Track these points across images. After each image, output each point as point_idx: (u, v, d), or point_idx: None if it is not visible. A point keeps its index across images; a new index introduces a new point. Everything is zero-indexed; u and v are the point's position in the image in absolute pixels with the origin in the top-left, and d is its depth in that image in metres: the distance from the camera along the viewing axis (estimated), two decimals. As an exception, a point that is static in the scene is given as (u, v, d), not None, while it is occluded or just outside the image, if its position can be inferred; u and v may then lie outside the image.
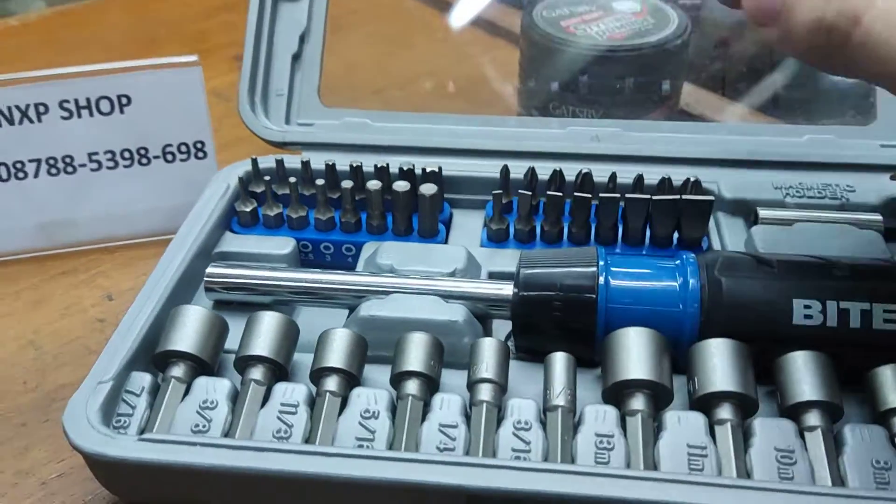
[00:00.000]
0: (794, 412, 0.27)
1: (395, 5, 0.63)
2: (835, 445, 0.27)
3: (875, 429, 0.27)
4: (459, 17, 0.59)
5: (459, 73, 0.54)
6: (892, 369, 0.28)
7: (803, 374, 0.27)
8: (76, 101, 0.38)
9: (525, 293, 0.30)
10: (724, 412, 0.27)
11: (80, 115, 0.38)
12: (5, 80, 0.37)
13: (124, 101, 0.39)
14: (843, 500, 0.24)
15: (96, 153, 0.39)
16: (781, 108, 0.43)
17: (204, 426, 0.27)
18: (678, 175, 0.36)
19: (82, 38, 0.62)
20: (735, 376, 0.27)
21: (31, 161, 0.39)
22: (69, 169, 0.39)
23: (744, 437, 0.27)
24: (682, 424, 0.27)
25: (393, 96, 0.51)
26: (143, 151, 0.40)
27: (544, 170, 0.37)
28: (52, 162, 0.39)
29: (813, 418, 0.27)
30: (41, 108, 0.38)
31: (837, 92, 0.41)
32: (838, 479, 0.26)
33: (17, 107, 0.38)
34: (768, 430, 0.27)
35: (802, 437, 0.27)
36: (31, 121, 0.38)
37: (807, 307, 0.29)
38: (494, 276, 0.34)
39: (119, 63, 0.39)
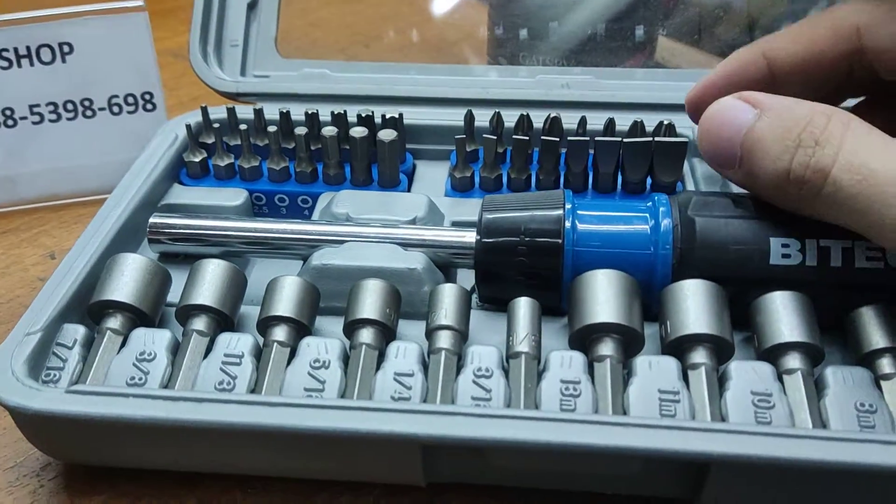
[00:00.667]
0: (772, 355, 0.26)
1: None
2: (816, 389, 0.25)
3: (858, 370, 0.25)
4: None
5: (428, 26, 0.52)
6: (874, 309, 0.26)
7: (782, 314, 0.26)
8: (15, 50, 0.36)
9: (487, 239, 0.29)
10: (699, 356, 0.25)
11: (19, 65, 0.36)
12: (-64, 25, 0.35)
13: (66, 48, 0.36)
14: (824, 442, 0.22)
15: (37, 105, 0.37)
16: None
17: (140, 379, 0.25)
18: (652, 121, 0.35)
19: None
20: (710, 319, 0.26)
21: (-33, 113, 0.36)
22: (9, 122, 0.37)
23: (719, 383, 0.25)
24: (653, 370, 0.25)
25: (358, 53, 0.49)
26: (87, 103, 0.37)
27: (512, 117, 0.35)
28: (-10, 114, 0.36)
29: (792, 360, 0.25)
30: (-22, 57, 0.36)
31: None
32: (819, 422, 0.24)
33: (-49, 55, 0.35)
34: (744, 374, 0.25)
35: (781, 380, 0.25)
36: (-34, 69, 0.36)
37: (785, 246, 0.27)
38: (458, 224, 0.32)
39: (60, 8, 0.36)
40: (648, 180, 0.33)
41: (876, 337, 0.26)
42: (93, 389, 0.24)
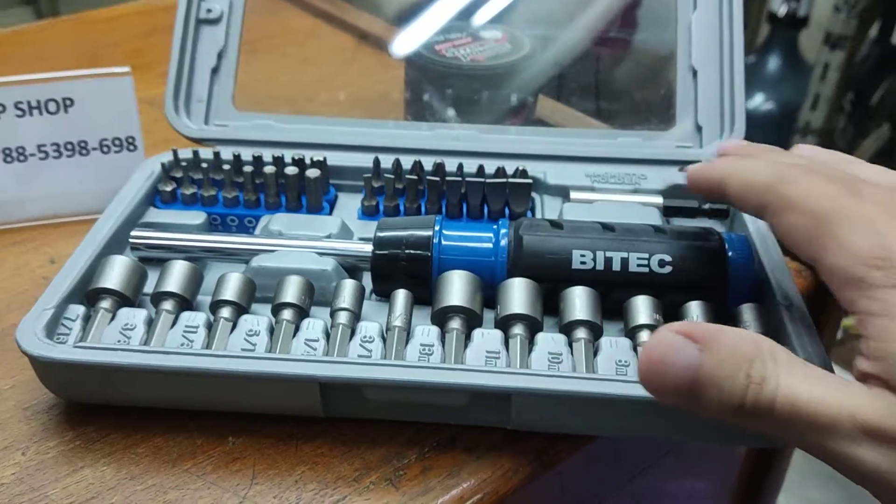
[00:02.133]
0: (567, 329, 0.37)
1: (310, 30, 0.73)
2: (593, 352, 0.37)
3: (623, 340, 0.37)
4: (372, 42, 0.69)
5: (362, 86, 0.64)
6: (641, 299, 0.38)
7: (575, 301, 0.37)
8: (28, 103, 0.47)
9: (378, 251, 0.40)
10: (517, 329, 0.37)
11: (31, 114, 0.47)
12: (-32, 84, 0.46)
13: (68, 102, 0.47)
14: (587, 381, 0.34)
15: (44, 145, 0.48)
16: (607, 116, 0.54)
17: (124, 341, 0.36)
18: (512, 166, 0.46)
19: (33, 53, 0.70)
20: (526, 303, 0.37)
21: (-12, 150, 0.47)
22: (21, 157, 0.47)
23: (529, 347, 0.36)
24: (484, 338, 0.36)
25: (302, 105, 0.61)
26: (83, 144, 0.48)
27: (408, 162, 0.46)
28: (7, 151, 0.47)
29: (580, 333, 0.37)
30: (-1, 108, 0.46)
31: (647, 104, 0.52)
32: (591, 370, 0.35)
33: (-22, 106, 0.46)
34: (545, 341, 0.36)
35: (571, 346, 0.37)
36: (-11, 117, 0.46)
37: (582, 255, 0.39)
38: (364, 240, 0.43)
39: (65, 72, 0.47)
40: (506, 210, 0.45)
41: (638, 317, 0.37)
42: (91, 346, 0.35)
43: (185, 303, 0.38)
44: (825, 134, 1.80)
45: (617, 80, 0.54)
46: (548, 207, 0.46)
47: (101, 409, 0.36)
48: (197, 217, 0.44)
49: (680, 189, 0.46)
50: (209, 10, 0.52)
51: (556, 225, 0.40)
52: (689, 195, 0.46)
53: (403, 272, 0.40)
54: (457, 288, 0.38)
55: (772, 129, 2.02)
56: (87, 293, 0.38)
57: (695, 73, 0.50)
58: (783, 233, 0.31)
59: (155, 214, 0.45)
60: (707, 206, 0.45)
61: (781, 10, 1.92)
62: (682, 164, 0.49)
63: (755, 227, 0.42)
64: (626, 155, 0.49)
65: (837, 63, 1.69)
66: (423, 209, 0.46)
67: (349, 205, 0.47)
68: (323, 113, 0.53)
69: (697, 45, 0.51)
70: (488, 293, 0.39)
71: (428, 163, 0.46)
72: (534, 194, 0.47)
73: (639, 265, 0.38)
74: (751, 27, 2.53)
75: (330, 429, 0.36)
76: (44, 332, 0.35)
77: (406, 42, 0.57)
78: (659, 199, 0.45)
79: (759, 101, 2.05)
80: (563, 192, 0.47)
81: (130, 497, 0.33)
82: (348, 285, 0.38)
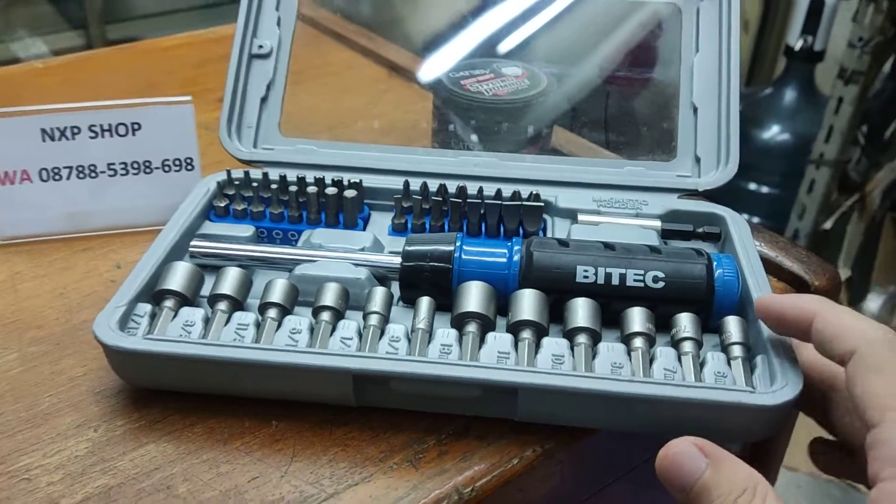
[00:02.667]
0: (569, 334, 0.42)
1: (348, 62, 0.79)
2: (592, 355, 0.41)
3: (618, 345, 0.41)
4: (402, 75, 0.75)
5: (393, 115, 0.70)
6: (636, 310, 0.43)
7: (578, 310, 0.42)
8: (101, 126, 0.53)
9: (406, 263, 0.45)
10: (525, 333, 0.42)
11: (103, 136, 0.53)
12: (51, 108, 0.52)
13: (136, 126, 0.54)
14: (588, 379, 0.39)
15: (113, 163, 0.54)
16: (615, 147, 0.59)
17: (185, 336, 0.42)
18: (527, 190, 0.52)
19: (93, 79, 0.77)
20: (534, 311, 0.42)
21: (65, 168, 0.53)
22: (92, 174, 0.54)
23: (535, 349, 0.42)
24: (496, 340, 0.42)
25: (340, 132, 0.67)
26: (147, 163, 0.54)
27: (435, 185, 0.52)
28: (80, 169, 0.53)
29: (581, 338, 0.42)
30: (75, 130, 0.53)
31: (651, 137, 0.57)
32: (589, 370, 0.40)
33: (58, 128, 0.52)
34: (550, 345, 0.41)
35: (573, 350, 0.42)
36: (67, 138, 0.53)
37: (585, 271, 0.44)
38: (393, 253, 0.49)
39: (134, 100, 0.54)
40: (520, 229, 0.50)
41: (632, 325, 0.42)
42: (158, 338, 0.40)
43: (237, 304, 0.44)
44: (838, 165, 1.84)
45: (624, 115, 0.59)
46: (558, 228, 0.52)
47: (162, 395, 0.42)
48: (246, 230, 0.50)
49: (677, 214, 0.51)
50: (260, 46, 0.58)
51: (563, 243, 0.45)
52: (685, 219, 0.51)
53: (427, 282, 0.45)
54: (474, 296, 0.43)
55: (786, 160, 2.05)
56: (154, 293, 0.44)
57: (695, 110, 0.55)
58: (858, 386, 0.33)
59: (210, 227, 0.51)
60: (701, 230, 0.50)
61: (798, 45, 1.96)
62: (680, 192, 0.54)
63: (742, 249, 0.47)
64: (630, 182, 0.54)
65: (851, 97, 1.72)
66: (446, 227, 0.51)
67: (380, 222, 0.53)
68: (358, 139, 0.59)
69: (698, 85, 0.56)
70: (501, 302, 0.44)
71: (452, 186, 0.52)
72: (545, 216, 0.52)
73: (635, 280, 0.43)
74: (768, 60, 2.58)
75: (359, 417, 0.41)
76: (117, 325, 0.41)
77: (434, 75, 0.63)
78: (657, 223, 0.50)
79: (775, 131, 2.09)
80: (571, 215, 0.52)
81: (189, 469, 0.38)
82: (379, 292, 0.44)
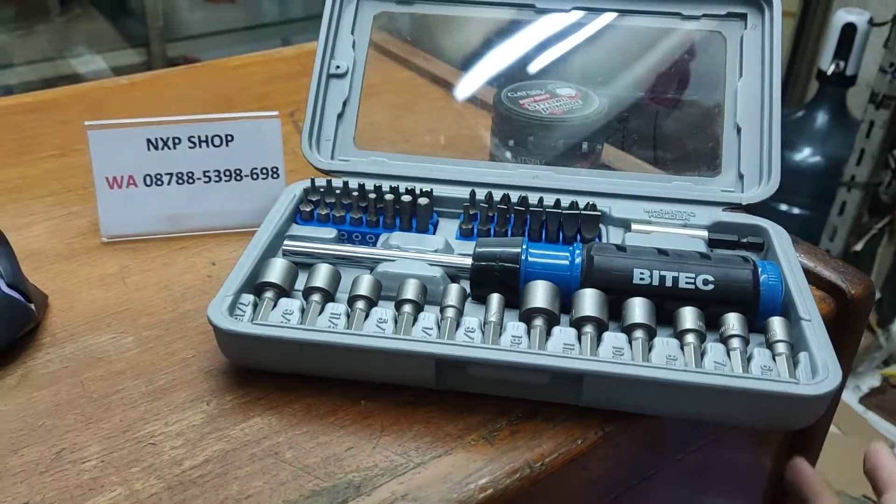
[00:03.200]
0: (627, 330, 0.47)
1: (407, 82, 0.85)
2: (649, 349, 0.46)
3: (672, 340, 0.46)
4: (458, 93, 0.81)
5: (454, 131, 0.75)
6: (688, 310, 0.47)
7: (635, 309, 0.47)
8: (199, 137, 0.59)
9: (477, 262, 0.50)
10: (587, 328, 0.47)
11: (200, 146, 0.59)
12: (157, 121, 0.58)
13: (229, 138, 0.59)
14: (646, 368, 0.43)
15: (209, 171, 0.60)
16: (664, 163, 0.64)
17: (286, 322, 0.47)
18: (584, 201, 0.57)
19: (175, 94, 0.83)
20: (595, 308, 0.47)
21: (166, 174, 0.59)
22: (190, 181, 0.59)
23: (597, 341, 0.46)
24: (562, 333, 0.46)
25: (406, 145, 0.72)
26: (238, 171, 0.60)
27: (499, 194, 0.57)
28: (179, 175, 0.59)
29: (638, 333, 0.46)
30: (176, 140, 0.59)
31: (697, 155, 0.62)
32: (646, 361, 0.45)
33: (161, 138, 0.58)
34: (610, 339, 0.46)
35: (630, 343, 0.46)
36: (169, 148, 0.59)
37: (641, 273, 0.48)
38: (463, 255, 0.54)
39: (228, 114, 0.59)
40: (578, 236, 0.55)
41: (685, 323, 0.47)
42: (262, 322, 0.46)
43: (329, 296, 0.49)
44: (869, 188, 1.86)
45: (672, 133, 0.64)
46: (612, 236, 0.56)
47: (263, 374, 0.47)
48: (330, 232, 0.56)
49: (722, 225, 0.56)
50: (338, 67, 0.64)
51: (620, 248, 0.50)
52: (730, 230, 0.56)
53: (497, 280, 0.50)
54: (540, 293, 0.48)
55: (818, 182, 2.08)
56: (256, 286, 0.49)
57: (739, 130, 0.60)
58: None
59: (297, 229, 0.56)
60: (745, 240, 0.55)
61: (830, 69, 2.00)
62: (725, 205, 0.58)
63: (784, 258, 0.52)
64: (679, 196, 0.59)
65: (882, 121, 1.76)
66: (509, 233, 0.56)
67: (447, 227, 0.58)
68: (424, 153, 0.64)
69: (742, 106, 0.61)
70: (564, 301, 0.49)
71: (513, 196, 0.57)
72: (601, 225, 0.57)
73: (686, 283, 0.48)
74: (801, 83, 2.61)
75: (439, 399, 0.46)
76: (227, 311, 0.46)
77: (492, 95, 0.69)
78: (704, 233, 0.55)
79: (807, 153, 2.12)
80: (625, 224, 0.57)
81: (292, 438, 0.44)
82: (454, 288, 0.49)
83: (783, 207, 2.24)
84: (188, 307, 0.53)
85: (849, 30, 2.00)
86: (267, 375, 0.47)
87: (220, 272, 0.56)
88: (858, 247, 2.05)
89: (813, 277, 0.57)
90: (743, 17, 0.62)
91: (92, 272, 0.56)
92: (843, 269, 0.57)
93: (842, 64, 2.02)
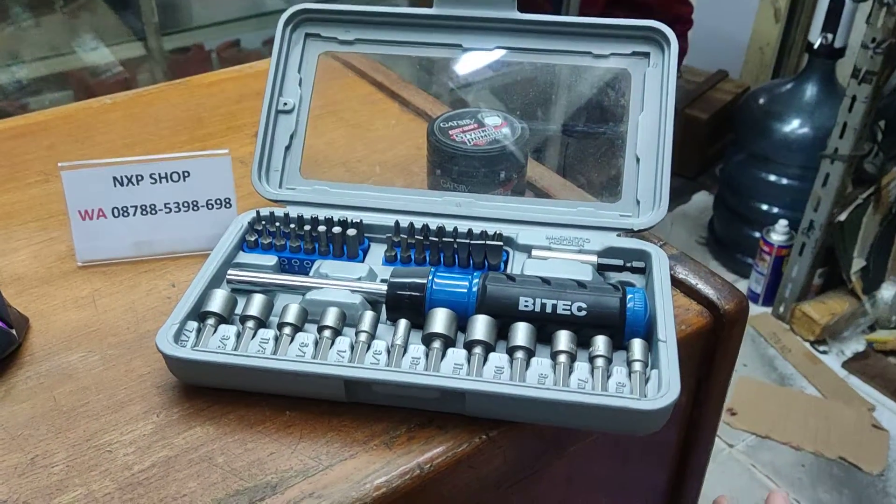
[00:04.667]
0: (511, 351, 0.55)
1: (366, 98, 0.92)
2: (526, 367, 0.54)
3: (546, 360, 0.54)
4: (410, 110, 0.88)
5: (400, 150, 0.83)
6: (563, 333, 0.55)
7: (518, 333, 0.55)
8: (159, 174, 0.67)
9: (391, 291, 0.59)
10: (477, 349, 0.55)
11: (160, 182, 0.68)
12: (122, 161, 0.66)
13: (186, 174, 0.68)
14: (518, 387, 0.52)
15: (169, 203, 0.68)
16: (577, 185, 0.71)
17: (222, 347, 0.56)
18: (494, 229, 0.65)
19: (152, 113, 0.92)
20: (484, 332, 0.55)
21: (132, 206, 0.68)
22: (153, 212, 0.68)
23: (483, 362, 0.55)
24: (454, 354, 0.55)
25: (352, 167, 0.80)
26: (195, 203, 0.69)
27: (421, 223, 0.65)
28: (143, 207, 0.68)
29: (519, 354, 0.55)
30: (139, 177, 0.67)
31: (600, 181, 0.69)
32: (521, 380, 0.53)
33: (126, 176, 0.67)
34: (494, 359, 0.54)
35: (511, 363, 0.55)
36: (133, 184, 0.67)
37: (526, 301, 0.57)
38: (384, 281, 0.62)
39: (185, 153, 0.68)
40: (485, 262, 0.63)
41: (559, 345, 0.55)
42: (202, 349, 0.55)
43: (261, 323, 0.58)
44: (852, 160, 1.90)
45: (581, 161, 0.72)
46: (516, 261, 0.64)
47: (205, 390, 0.56)
48: (271, 260, 0.64)
49: (612, 250, 0.64)
50: (285, 104, 0.72)
51: (510, 278, 0.58)
52: (619, 255, 0.63)
53: (406, 306, 0.58)
54: (439, 320, 0.56)
55: (806, 153, 2.12)
56: (200, 314, 0.58)
57: (638, 160, 0.67)
58: None
59: (243, 256, 0.65)
60: (630, 264, 0.62)
61: (818, 42, 2.02)
62: (619, 230, 0.66)
63: (659, 281, 0.59)
64: (578, 222, 0.66)
65: (864, 95, 1.79)
66: (427, 260, 0.64)
67: (377, 252, 0.66)
68: (363, 179, 0.72)
69: (642, 138, 0.68)
70: (463, 322, 0.57)
71: (434, 224, 0.65)
72: (508, 250, 0.65)
73: (563, 309, 0.56)
74: (795, 51, 2.62)
75: (351, 409, 0.55)
76: (172, 339, 0.55)
77: (429, 122, 0.76)
78: (594, 258, 0.63)
79: (795, 125, 2.16)
80: (528, 250, 0.65)
81: (224, 445, 0.53)
82: (368, 315, 0.57)
83: (772, 178, 2.28)
84: (148, 328, 0.62)
85: (837, 3, 2.02)
86: (209, 390, 0.56)
87: (178, 294, 0.64)
88: (842, 217, 2.09)
89: (693, 293, 0.64)
90: (647, 55, 0.69)
91: (68, 295, 0.65)
92: (720, 287, 0.64)
93: (830, 37, 2.04)
